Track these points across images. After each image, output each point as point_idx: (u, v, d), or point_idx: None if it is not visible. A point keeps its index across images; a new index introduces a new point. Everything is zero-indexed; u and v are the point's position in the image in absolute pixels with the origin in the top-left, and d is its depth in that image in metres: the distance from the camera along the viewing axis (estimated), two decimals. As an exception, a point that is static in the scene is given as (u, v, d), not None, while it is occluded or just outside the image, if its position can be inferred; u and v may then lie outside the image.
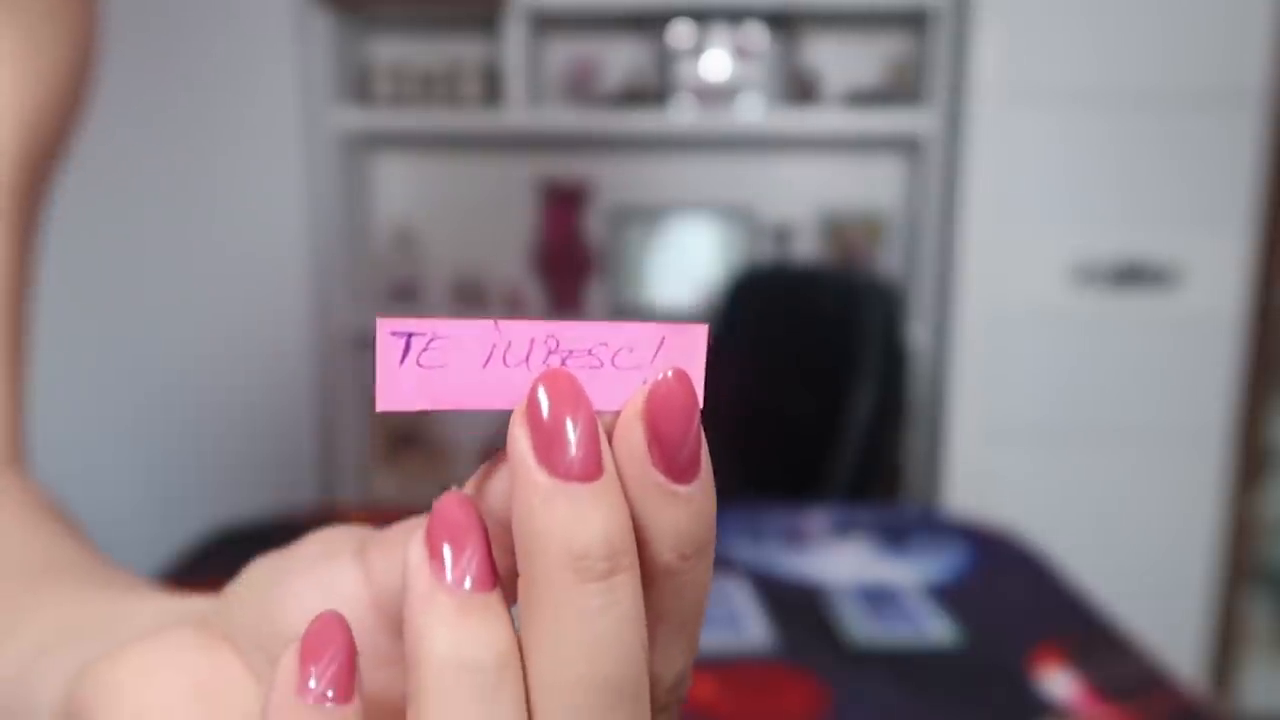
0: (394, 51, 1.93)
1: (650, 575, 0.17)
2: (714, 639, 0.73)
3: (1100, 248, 1.62)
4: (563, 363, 0.18)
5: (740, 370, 1.58)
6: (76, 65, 0.38)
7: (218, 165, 1.78)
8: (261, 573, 0.22)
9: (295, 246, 1.79)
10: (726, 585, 0.82)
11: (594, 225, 1.95)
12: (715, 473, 0.18)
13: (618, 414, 0.17)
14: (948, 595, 0.82)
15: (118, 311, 1.79)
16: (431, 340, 0.17)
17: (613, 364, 0.18)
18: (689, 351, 0.18)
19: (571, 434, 0.16)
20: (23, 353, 0.37)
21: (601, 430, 0.17)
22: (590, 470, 0.16)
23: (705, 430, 0.17)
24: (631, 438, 0.17)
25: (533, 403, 0.17)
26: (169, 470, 1.81)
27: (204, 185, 1.78)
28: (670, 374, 0.17)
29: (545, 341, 0.18)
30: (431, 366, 0.17)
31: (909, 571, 0.87)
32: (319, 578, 0.21)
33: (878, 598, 0.80)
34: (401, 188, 1.98)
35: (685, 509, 0.17)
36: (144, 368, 1.80)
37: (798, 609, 0.79)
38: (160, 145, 1.76)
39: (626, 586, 0.16)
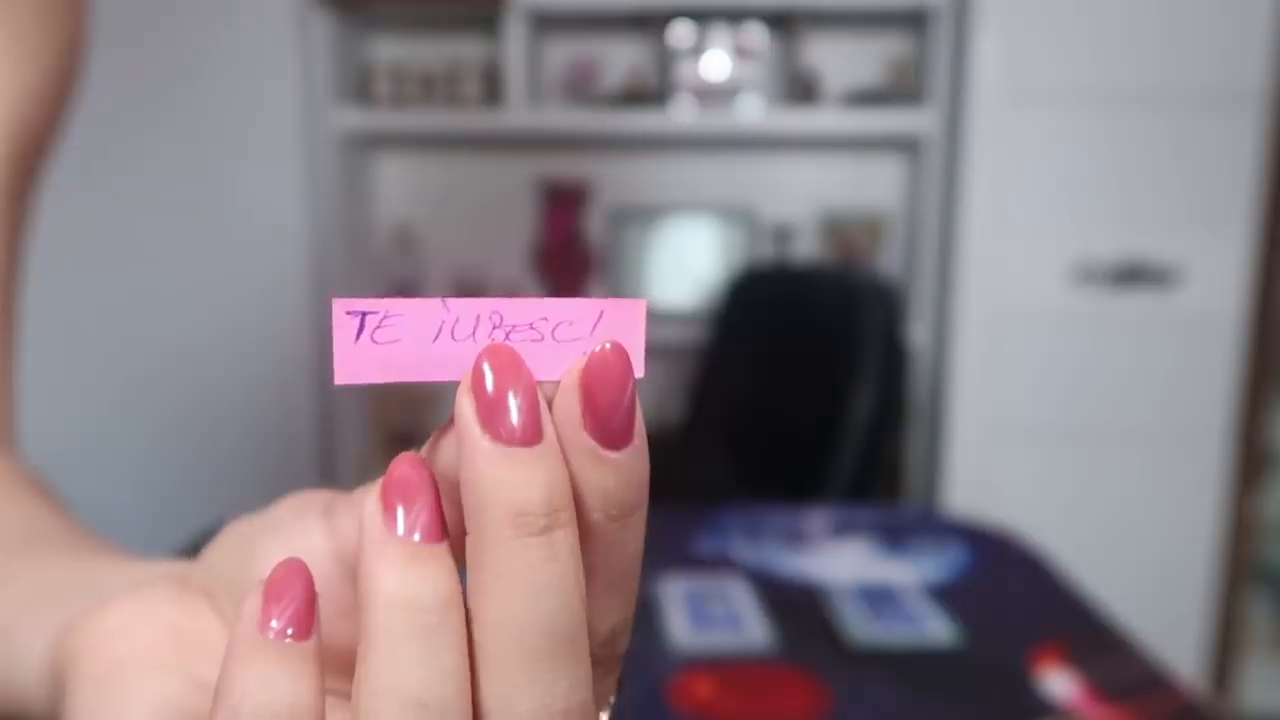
0: (394, 51, 1.93)
1: (582, 534, 0.18)
2: (714, 639, 0.73)
3: (1100, 248, 1.62)
4: (506, 337, 0.19)
5: (740, 370, 1.58)
6: (65, 62, 0.39)
7: (218, 165, 1.78)
8: (237, 533, 0.24)
9: (295, 246, 1.79)
10: (726, 585, 0.82)
11: (594, 225, 1.95)
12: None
13: (558, 383, 0.18)
14: (948, 595, 0.82)
15: (118, 311, 1.79)
16: (384, 318, 0.19)
17: (553, 337, 0.19)
18: (627, 325, 0.19)
19: (513, 403, 0.18)
20: (12, 339, 0.38)
21: (542, 398, 0.18)
22: (530, 436, 0.17)
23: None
24: (567, 405, 0.18)
25: (477, 374, 0.18)
26: (169, 469, 1.81)
27: (204, 185, 1.78)
28: (607, 346, 0.18)
29: (490, 317, 0.19)
30: (385, 342, 0.19)
31: (909, 571, 0.87)
32: (289, 536, 0.23)
33: (878, 598, 0.80)
34: (401, 188, 1.98)
35: (614, 473, 0.18)
36: (144, 367, 1.80)
37: (798, 609, 0.79)
38: (161, 145, 1.76)
39: (565, 542, 0.18)
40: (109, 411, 1.80)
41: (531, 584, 0.17)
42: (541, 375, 0.19)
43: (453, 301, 0.19)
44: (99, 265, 1.77)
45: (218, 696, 0.18)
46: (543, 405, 0.18)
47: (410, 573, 0.18)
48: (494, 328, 0.19)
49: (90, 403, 1.77)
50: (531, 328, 0.19)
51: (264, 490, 0.25)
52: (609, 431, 0.18)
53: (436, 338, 0.19)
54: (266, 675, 0.18)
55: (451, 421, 0.18)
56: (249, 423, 1.83)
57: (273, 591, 0.18)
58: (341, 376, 0.19)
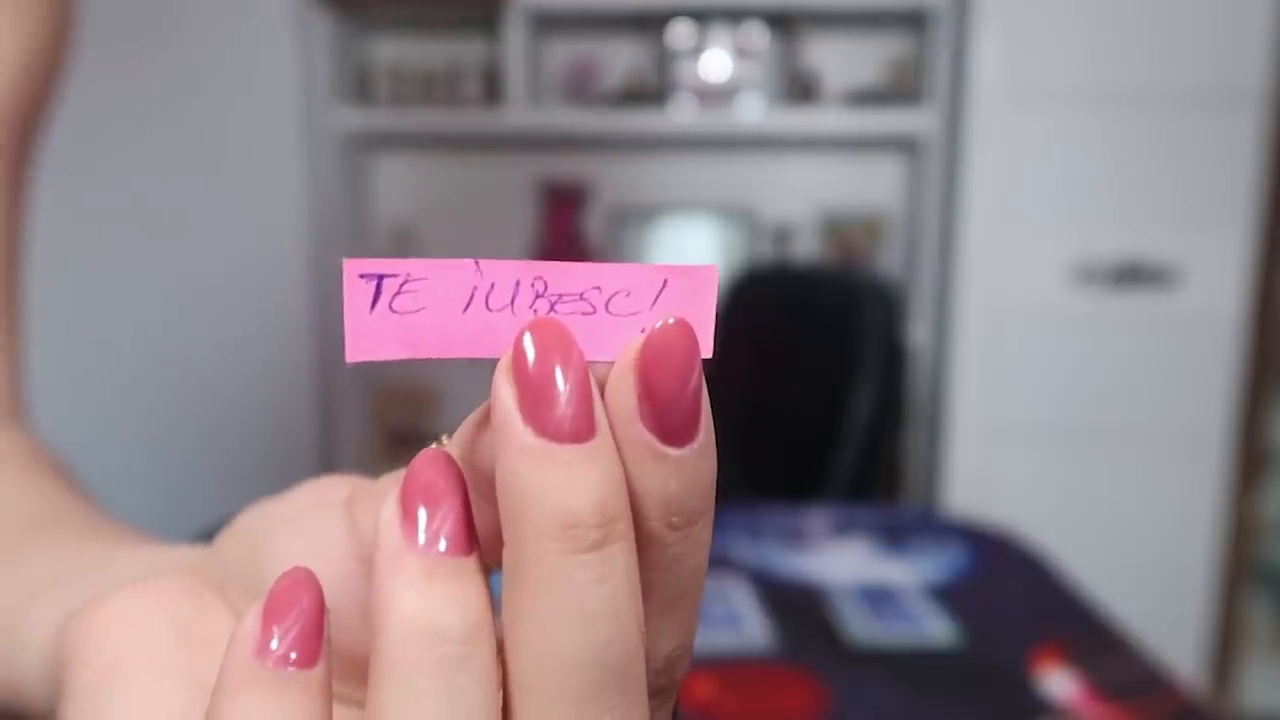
0: (394, 51, 1.93)
1: (637, 545, 0.16)
2: (714, 639, 0.73)
3: (1100, 248, 1.62)
4: (551, 308, 0.16)
5: (740, 370, 1.58)
6: (61, 27, 0.38)
7: (218, 165, 1.78)
8: (252, 521, 0.22)
9: (295, 246, 1.79)
10: (726, 585, 0.82)
11: (594, 225, 1.95)
12: (717, 474, 0.17)
13: (612, 365, 0.16)
14: (948, 595, 0.82)
15: (118, 311, 1.79)
16: (405, 282, 0.16)
17: (607, 309, 0.16)
18: (696, 297, 0.16)
19: (561, 389, 0.15)
20: (18, 309, 0.37)
21: (594, 385, 0.15)
22: (581, 429, 0.15)
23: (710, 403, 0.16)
24: (622, 392, 0.15)
25: (518, 354, 0.15)
26: (169, 470, 1.81)
27: (205, 185, 1.78)
28: (671, 321, 0.15)
29: (532, 284, 0.16)
30: (406, 311, 0.16)
31: (909, 571, 0.87)
32: (307, 527, 0.20)
33: (878, 598, 0.80)
34: (401, 188, 1.98)
35: (676, 474, 0.15)
36: (144, 368, 1.80)
37: (798, 609, 0.79)
38: (161, 145, 1.76)
39: (620, 558, 0.15)
40: (107, 412, 1.79)
41: (579, 609, 0.15)
42: (592, 355, 0.16)
43: (487, 264, 0.16)
44: (99, 265, 1.77)
45: None
46: (596, 393, 0.15)
47: (431, 593, 0.15)
48: (536, 296, 0.16)
49: (89, 403, 1.77)
50: (581, 298, 0.16)
51: (263, 492, 0.24)
52: (670, 425, 0.15)
53: (467, 307, 0.16)
54: (260, 713, 0.15)
55: (489, 407, 0.16)
56: (248, 422, 1.83)
57: (274, 608, 0.16)
58: (355, 352, 0.16)
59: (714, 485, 0.16)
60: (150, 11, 1.72)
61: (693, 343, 0.15)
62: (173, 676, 0.20)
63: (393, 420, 1.96)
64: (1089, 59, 1.58)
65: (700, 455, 0.16)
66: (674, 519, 0.16)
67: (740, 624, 0.75)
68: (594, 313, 0.16)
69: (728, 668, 0.69)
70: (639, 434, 0.15)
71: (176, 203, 1.77)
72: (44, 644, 0.23)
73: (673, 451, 0.15)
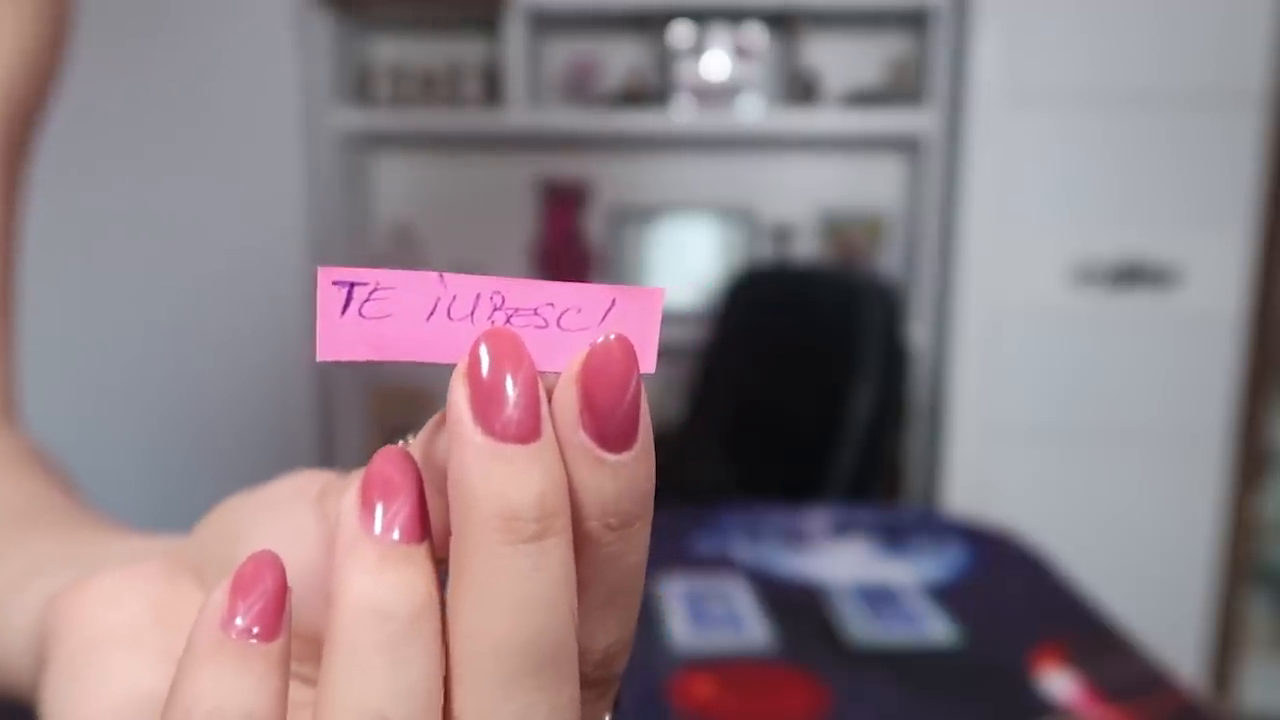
0: (394, 51, 1.93)
1: (576, 543, 0.17)
2: (714, 639, 0.73)
3: (1100, 248, 1.62)
4: (508, 320, 0.17)
5: (740, 370, 1.58)
6: (55, 27, 0.39)
7: (218, 165, 1.78)
8: (229, 510, 0.23)
9: (295, 246, 1.79)
10: (726, 585, 0.82)
11: (594, 225, 1.95)
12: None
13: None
14: (948, 595, 0.82)
15: (117, 310, 1.79)
16: (374, 291, 0.17)
17: (559, 325, 0.18)
18: (641, 316, 0.18)
19: (510, 394, 0.16)
20: (11, 309, 0.38)
21: (543, 392, 0.17)
22: (527, 431, 0.16)
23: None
24: (565, 400, 0.16)
25: (473, 360, 0.16)
26: (168, 469, 1.81)
27: (204, 185, 1.78)
28: (612, 338, 0.17)
29: (491, 297, 0.17)
30: (374, 317, 0.17)
31: (909, 571, 0.87)
32: (280, 516, 0.22)
33: (878, 598, 0.80)
34: (401, 188, 1.98)
35: (613, 478, 0.17)
36: (143, 368, 1.80)
37: (798, 609, 0.79)
38: (161, 145, 1.76)
39: (557, 551, 0.16)
40: (107, 412, 1.79)
41: (516, 595, 0.16)
42: (543, 366, 0.17)
43: (450, 277, 0.17)
44: (99, 265, 1.77)
45: (170, 696, 0.17)
46: (543, 400, 0.16)
47: (382, 577, 0.16)
48: (495, 309, 0.17)
49: (88, 403, 1.77)
50: (536, 313, 0.17)
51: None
52: (608, 433, 0.16)
53: (431, 315, 0.17)
54: (223, 679, 0.16)
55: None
56: (248, 422, 1.83)
57: (240, 586, 0.17)
58: (325, 352, 0.17)
59: (651, 491, 0.17)
60: (150, 11, 1.72)
61: (631, 358, 0.17)
62: (148, 653, 0.21)
63: (392, 420, 1.96)
64: (1089, 59, 1.58)
65: (637, 462, 0.17)
66: (611, 520, 0.17)
67: (740, 624, 0.75)
68: (546, 327, 0.18)
69: (728, 668, 0.69)
70: (580, 439, 0.16)
71: (176, 202, 1.77)
72: (30, 624, 0.24)
73: (610, 457, 0.16)
